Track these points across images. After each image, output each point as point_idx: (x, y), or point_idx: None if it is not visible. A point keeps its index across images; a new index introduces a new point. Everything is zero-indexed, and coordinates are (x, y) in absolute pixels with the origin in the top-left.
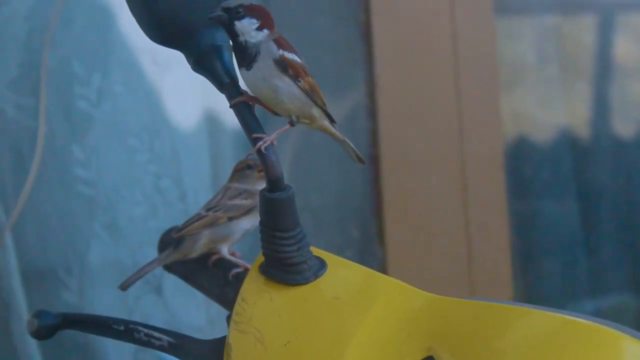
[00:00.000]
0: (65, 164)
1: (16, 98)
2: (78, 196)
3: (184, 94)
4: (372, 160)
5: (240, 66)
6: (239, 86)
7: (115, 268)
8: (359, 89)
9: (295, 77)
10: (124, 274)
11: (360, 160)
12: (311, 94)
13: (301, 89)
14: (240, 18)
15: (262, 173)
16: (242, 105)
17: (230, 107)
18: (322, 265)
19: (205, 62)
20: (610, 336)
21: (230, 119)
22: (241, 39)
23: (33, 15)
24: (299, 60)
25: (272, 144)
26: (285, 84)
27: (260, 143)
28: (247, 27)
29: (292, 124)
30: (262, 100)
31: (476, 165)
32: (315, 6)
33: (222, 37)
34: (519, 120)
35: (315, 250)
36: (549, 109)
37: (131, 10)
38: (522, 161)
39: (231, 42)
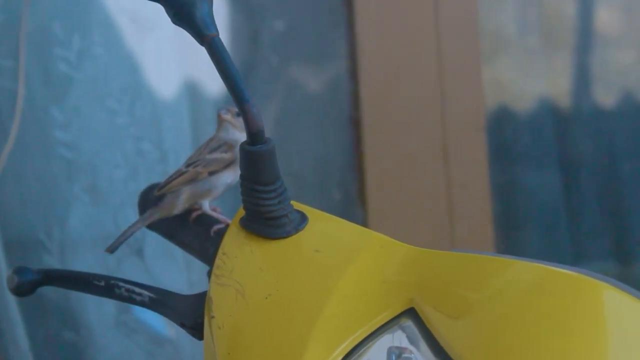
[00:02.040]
0: (45, 127)
1: None
2: (58, 159)
3: (165, 56)
4: (354, 124)
5: None
6: (219, 39)
7: (96, 231)
8: (340, 53)
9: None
10: (105, 237)
11: None
12: None
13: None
14: None
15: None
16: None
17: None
18: (303, 219)
19: (184, 15)
20: (593, 285)
21: (211, 83)
22: None
23: None
24: None
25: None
26: None
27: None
28: None
29: None
30: None
31: (457, 128)
32: None
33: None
34: (500, 90)
35: (297, 204)
36: (530, 78)
37: None
38: (504, 130)
39: None
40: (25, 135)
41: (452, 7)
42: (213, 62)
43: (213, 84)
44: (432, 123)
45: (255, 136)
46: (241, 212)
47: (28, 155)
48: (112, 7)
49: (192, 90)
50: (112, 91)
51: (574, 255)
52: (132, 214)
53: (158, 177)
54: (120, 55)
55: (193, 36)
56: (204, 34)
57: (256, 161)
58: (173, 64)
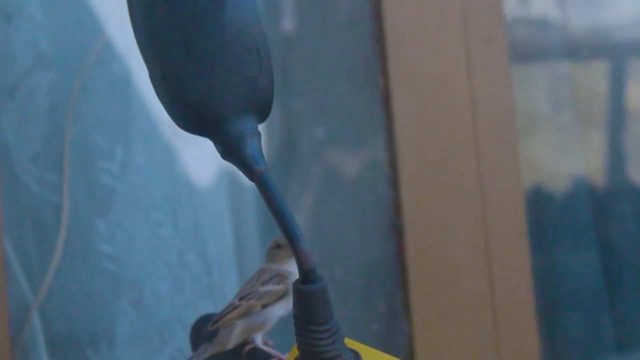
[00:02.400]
0: (90, 240)
1: (39, 173)
2: (103, 272)
3: (206, 166)
4: (396, 230)
5: None
6: (268, 175)
7: (142, 344)
8: (380, 157)
9: None
10: (152, 351)
11: None
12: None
13: None
14: None
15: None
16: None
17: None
18: (356, 358)
19: (234, 150)
20: None
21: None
22: None
23: (55, 89)
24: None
25: None
26: None
27: None
28: None
29: None
30: None
31: (499, 232)
32: (334, 72)
33: (251, 125)
34: (534, 170)
35: (350, 342)
36: (564, 156)
37: (159, 98)
38: (539, 211)
39: None
40: (70, 249)
41: (489, 103)
42: (263, 197)
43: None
44: (473, 228)
45: (307, 275)
46: (295, 351)
47: (73, 269)
48: (154, 119)
49: (231, 187)
50: (155, 202)
51: (615, 342)
52: (177, 329)
53: (203, 289)
54: (162, 165)
55: (242, 171)
56: (253, 170)
57: (308, 300)
58: (214, 173)
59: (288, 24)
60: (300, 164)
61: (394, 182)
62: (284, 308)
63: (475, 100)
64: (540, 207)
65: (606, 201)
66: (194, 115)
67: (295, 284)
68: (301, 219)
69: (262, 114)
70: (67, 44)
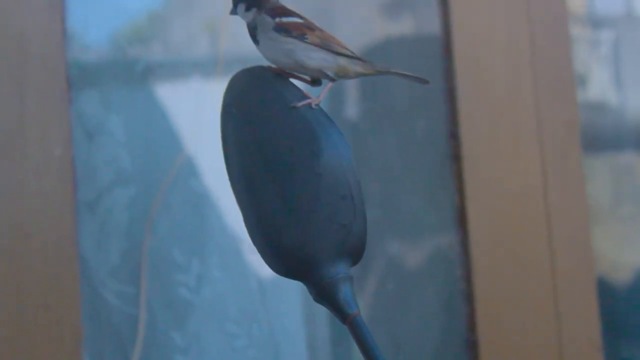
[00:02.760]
0: (166, 352)
1: (117, 286)
2: None
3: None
4: (470, 346)
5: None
6: (360, 318)
7: None
8: (455, 274)
9: (302, 36)
10: None
11: (423, 81)
12: (326, 44)
13: (311, 43)
14: (235, 6)
15: None
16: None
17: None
18: None
19: (327, 295)
20: None
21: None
22: (245, 22)
23: (134, 204)
24: (299, 19)
25: (316, 104)
26: (294, 45)
27: (307, 101)
28: (240, 12)
29: (332, 80)
30: (288, 70)
31: (574, 348)
32: (409, 189)
33: (343, 270)
34: (597, 262)
35: None
36: (627, 248)
37: (252, 241)
38: (602, 303)
39: None
40: None
41: (564, 226)
42: (354, 340)
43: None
44: (548, 344)
45: None
46: None
47: None
48: (230, 233)
49: (310, 317)
50: (230, 315)
51: None
52: None
53: None
54: (238, 279)
55: (334, 314)
56: (346, 314)
57: None
58: (289, 287)
59: (366, 140)
60: (373, 280)
61: (469, 298)
62: None
63: (550, 216)
64: (604, 300)
65: None
66: (288, 261)
67: None
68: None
69: (355, 258)
70: (147, 161)
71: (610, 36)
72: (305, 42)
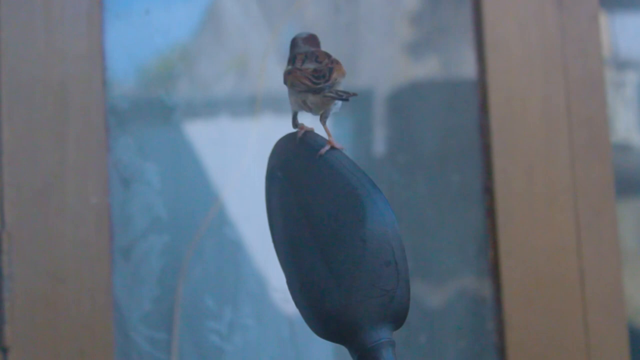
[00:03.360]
0: None
1: (149, 332)
2: None
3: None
4: None
5: None
6: None
7: None
8: (488, 326)
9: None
10: None
11: (351, 95)
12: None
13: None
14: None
15: None
16: None
17: None
18: None
19: (370, 359)
20: None
21: None
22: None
23: (168, 251)
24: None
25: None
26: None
27: (327, 147)
28: None
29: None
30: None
31: None
32: (443, 243)
33: (386, 335)
34: (626, 306)
35: None
36: None
37: (295, 304)
38: (631, 348)
39: None
40: None
41: (598, 282)
42: None
43: None
44: None
45: None
46: None
47: None
48: (263, 282)
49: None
50: None
51: None
52: None
53: None
54: (270, 327)
55: None
56: None
57: None
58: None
59: (401, 194)
60: (407, 333)
61: (501, 352)
62: None
63: (584, 272)
64: (634, 344)
65: None
66: (331, 325)
67: None
68: None
69: (398, 324)
70: (182, 209)
71: (635, 78)
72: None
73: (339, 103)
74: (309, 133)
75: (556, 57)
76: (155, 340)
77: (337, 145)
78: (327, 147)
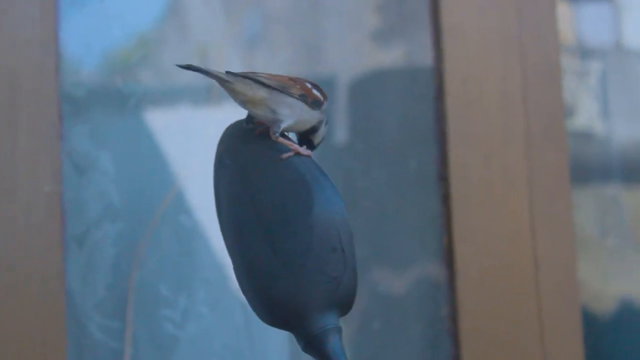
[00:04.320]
0: None
1: (103, 320)
2: None
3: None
4: None
5: None
6: None
7: None
8: (441, 312)
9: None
10: None
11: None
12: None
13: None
14: None
15: None
16: None
17: None
18: None
19: (315, 346)
20: None
21: None
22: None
23: (122, 239)
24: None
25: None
26: None
27: (290, 152)
28: None
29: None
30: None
31: None
32: (398, 229)
33: (332, 321)
34: (582, 292)
35: None
36: (611, 279)
37: (242, 291)
38: (587, 333)
39: None
40: None
41: (552, 270)
42: None
43: None
44: None
45: None
46: None
47: None
48: (218, 270)
49: (296, 356)
50: (215, 351)
51: None
52: None
53: None
54: (225, 315)
55: None
56: None
57: None
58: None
59: (357, 180)
60: (359, 318)
61: (455, 337)
62: None
63: (537, 258)
64: (589, 329)
65: None
66: (278, 311)
67: None
68: None
69: (344, 310)
70: (137, 197)
71: (599, 67)
72: None
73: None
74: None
75: (513, 44)
76: (109, 328)
77: (304, 152)
78: (290, 153)
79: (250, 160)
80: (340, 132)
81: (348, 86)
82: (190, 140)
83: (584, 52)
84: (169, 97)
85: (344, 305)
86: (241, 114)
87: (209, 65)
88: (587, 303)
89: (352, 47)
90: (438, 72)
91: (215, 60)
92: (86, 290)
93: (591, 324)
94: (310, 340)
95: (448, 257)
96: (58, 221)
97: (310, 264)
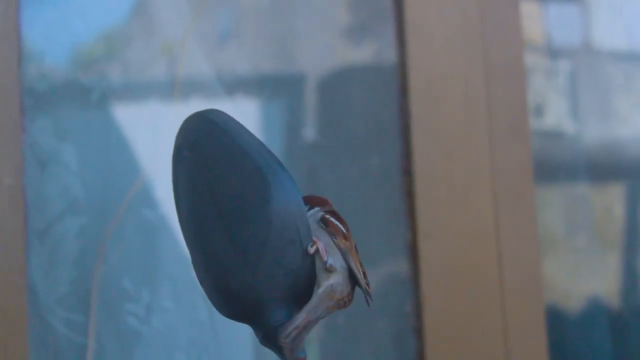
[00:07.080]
0: None
1: (66, 314)
2: None
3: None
4: None
5: None
6: None
7: None
8: (405, 308)
9: (333, 235)
10: None
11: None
12: (344, 252)
13: (336, 244)
14: None
15: None
16: None
17: None
18: None
19: (274, 339)
20: None
21: None
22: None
23: (85, 233)
24: (341, 226)
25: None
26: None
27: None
28: None
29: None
30: None
31: None
32: (362, 224)
33: (290, 314)
34: (549, 290)
35: None
36: (580, 278)
37: (200, 283)
38: (553, 331)
39: None
40: None
41: (516, 270)
42: None
43: None
44: None
45: None
46: None
47: None
48: (182, 263)
49: (260, 350)
50: (180, 345)
51: None
52: None
53: None
54: (189, 309)
55: (281, 358)
56: (292, 359)
57: None
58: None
59: (321, 175)
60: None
61: (419, 333)
62: None
63: (502, 254)
64: (554, 327)
65: (621, 323)
66: (236, 304)
67: None
68: None
69: (302, 302)
70: (100, 191)
71: (567, 66)
72: (334, 241)
73: None
74: (216, 111)
75: (476, 42)
76: (72, 323)
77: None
78: (314, 247)
79: (209, 152)
80: (306, 128)
81: (316, 83)
82: (154, 134)
83: (553, 52)
84: (133, 91)
85: (302, 298)
86: (204, 107)
87: (171, 59)
88: (554, 301)
89: (321, 44)
90: (402, 69)
91: (180, 60)
92: (49, 284)
93: (558, 322)
94: (268, 334)
95: (412, 253)
96: (20, 215)
97: (268, 257)
